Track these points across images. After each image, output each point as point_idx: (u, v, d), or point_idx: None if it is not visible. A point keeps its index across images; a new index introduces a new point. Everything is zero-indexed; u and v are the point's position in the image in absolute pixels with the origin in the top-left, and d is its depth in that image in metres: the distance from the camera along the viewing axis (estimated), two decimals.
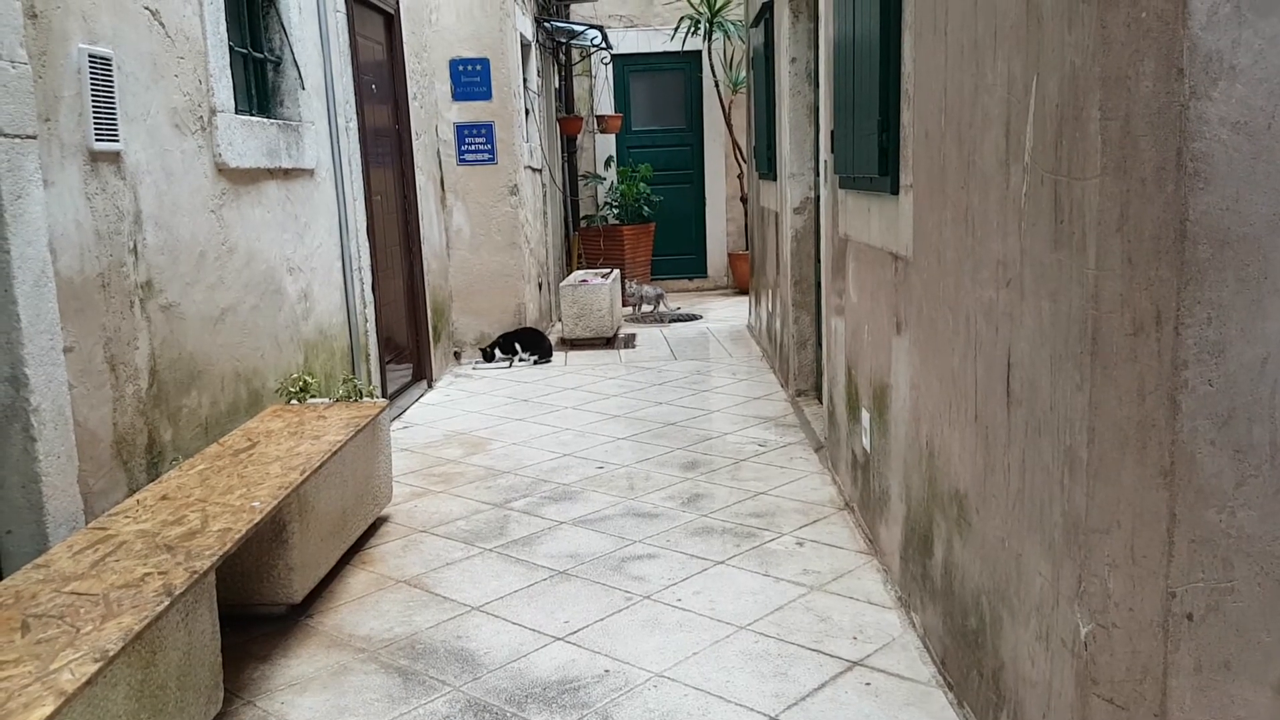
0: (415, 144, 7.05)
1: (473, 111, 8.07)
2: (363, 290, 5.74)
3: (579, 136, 11.43)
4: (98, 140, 3.15)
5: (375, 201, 6.15)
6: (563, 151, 11.10)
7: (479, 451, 5.46)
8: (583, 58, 11.56)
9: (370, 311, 5.86)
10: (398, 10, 6.80)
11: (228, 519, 2.89)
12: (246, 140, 4.24)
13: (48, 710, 1.89)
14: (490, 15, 7.96)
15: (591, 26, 10.68)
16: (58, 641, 2.16)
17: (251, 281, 4.29)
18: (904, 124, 3.19)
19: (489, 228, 8.20)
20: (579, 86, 11.69)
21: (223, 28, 4.08)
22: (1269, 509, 1.74)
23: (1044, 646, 2.06)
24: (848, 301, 4.23)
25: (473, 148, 8.09)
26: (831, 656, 3.02)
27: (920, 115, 2.98)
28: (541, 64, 10.06)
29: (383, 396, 5.88)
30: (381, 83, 6.52)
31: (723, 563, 3.75)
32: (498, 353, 7.91)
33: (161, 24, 3.62)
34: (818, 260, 5.61)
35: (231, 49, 4.27)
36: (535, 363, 7.89)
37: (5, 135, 2.71)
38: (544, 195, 9.72)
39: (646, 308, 9.94)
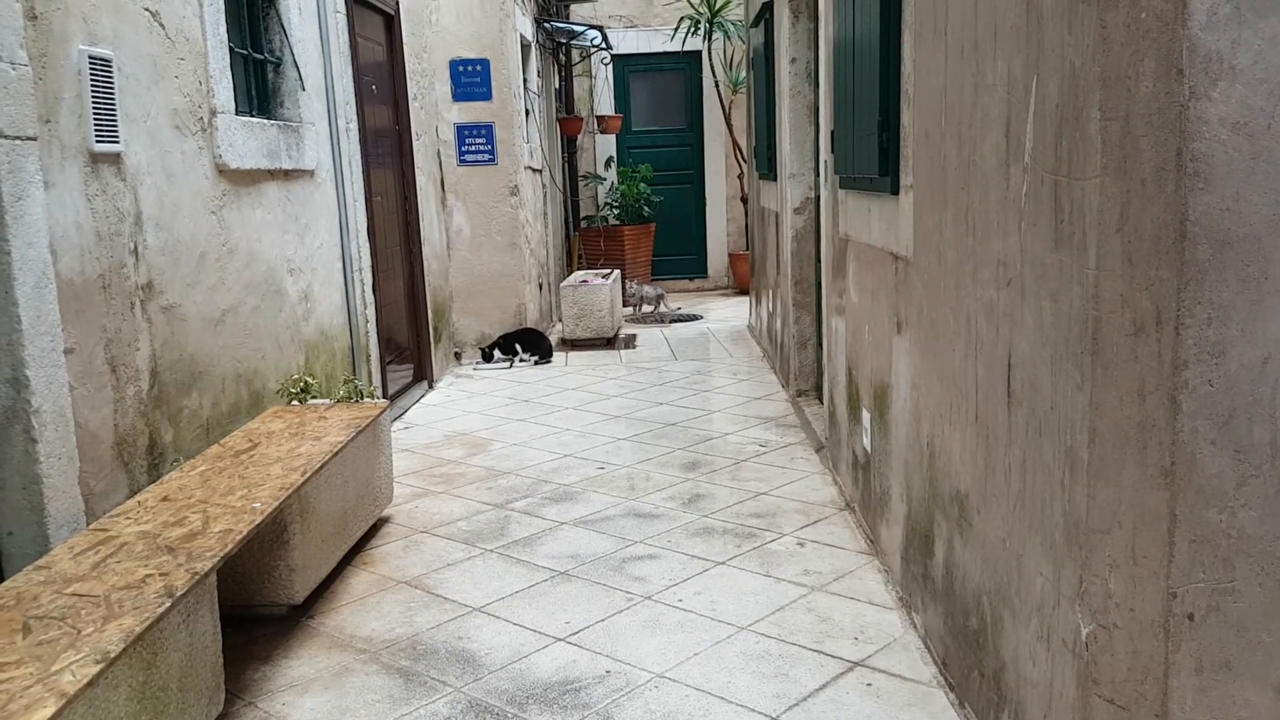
0: (415, 145, 7.05)
1: (473, 112, 8.07)
2: (363, 291, 5.75)
3: (579, 137, 11.43)
4: (98, 142, 3.16)
5: (376, 202, 6.15)
6: (563, 152, 11.10)
7: (480, 452, 5.46)
8: (583, 58, 11.56)
9: (371, 312, 5.86)
10: (398, 11, 6.81)
11: (229, 520, 2.89)
12: (247, 141, 4.24)
13: (49, 712, 1.90)
14: (490, 16, 7.97)
15: (591, 27, 10.68)
16: (59, 643, 2.16)
17: (252, 282, 4.29)
18: (904, 124, 3.19)
19: (489, 228, 8.21)
20: (579, 87, 11.70)
21: (223, 29, 4.08)
22: (1270, 509, 1.74)
23: (1045, 647, 2.06)
24: (848, 301, 4.23)
25: (473, 148, 8.09)
26: (832, 657, 3.02)
27: (920, 115, 2.98)
28: (541, 64, 10.06)
29: (383, 397, 5.89)
30: (382, 83, 6.52)
31: (724, 563, 3.75)
32: (497, 353, 7.91)
33: (161, 25, 3.62)
34: (818, 260, 5.61)
35: (232, 50, 4.27)
36: (536, 363, 7.89)
37: (6, 137, 2.72)
38: (544, 196, 9.72)
39: (647, 308, 9.95)
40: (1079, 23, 1.81)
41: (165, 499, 3.08)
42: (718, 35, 10.81)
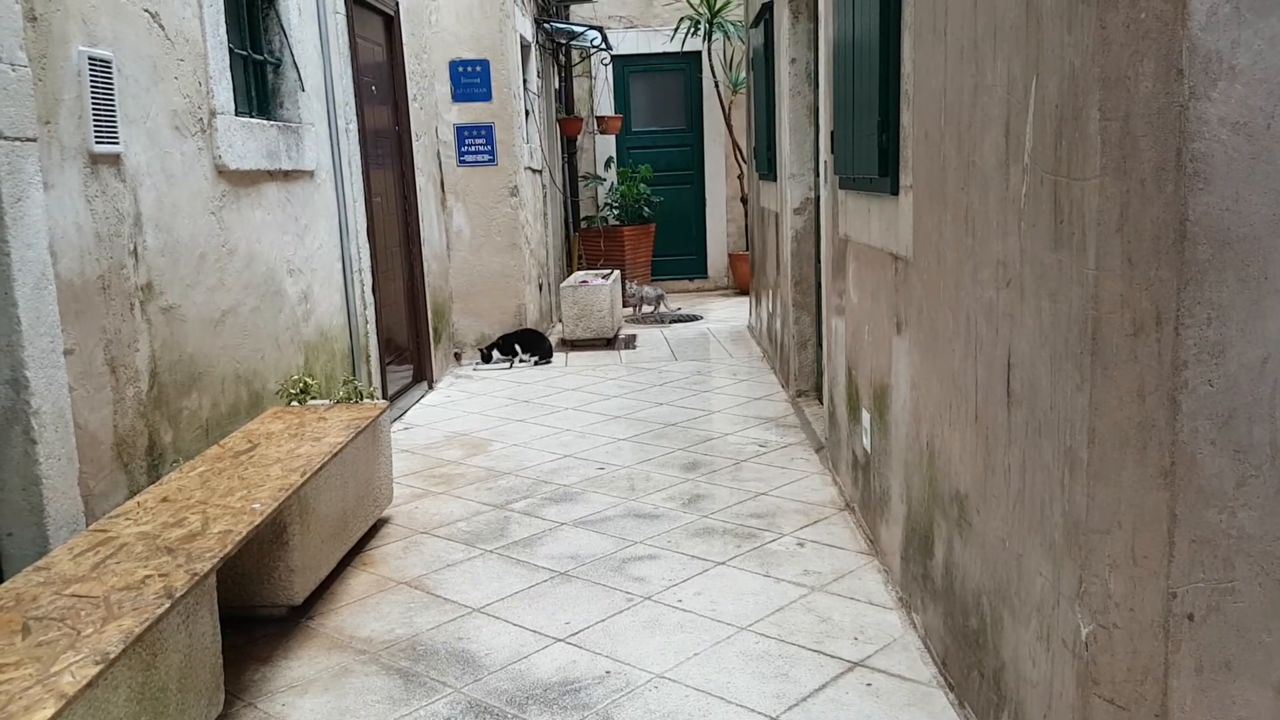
0: (415, 145, 7.05)
1: (473, 113, 8.07)
2: (363, 291, 5.75)
3: (579, 137, 11.43)
4: (98, 143, 3.16)
5: (375, 203, 6.15)
6: (563, 152, 11.10)
7: (480, 453, 5.46)
8: (582, 58, 11.56)
9: (370, 313, 5.86)
10: (397, 12, 6.81)
11: (228, 521, 2.89)
12: (246, 142, 4.24)
13: (49, 713, 1.89)
14: (490, 16, 7.97)
15: (591, 27, 10.68)
16: (58, 644, 2.16)
17: (252, 283, 4.29)
18: (904, 124, 3.19)
19: (489, 229, 8.21)
20: (579, 87, 11.70)
21: (222, 30, 4.08)
22: (1269, 509, 1.74)
23: (1045, 647, 2.06)
24: (848, 302, 4.23)
25: (473, 149, 8.09)
26: (832, 657, 3.01)
27: (920, 116, 2.98)
28: (541, 65, 10.06)
29: (383, 398, 5.88)
30: (381, 84, 6.52)
31: (724, 563, 3.75)
32: (496, 354, 7.91)
33: (161, 26, 3.62)
34: (818, 261, 5.61)
35: (231, 51, 4.27)
36: (536, 364, 7.89)
37: (5, 138, 2.72)
38: (544, 196, 9.72)
39: (647, 308, 9.94)
40: (1078, 23, 1.81)
41: (165, 500, 3.08)
42: (717, 36, 10.81)
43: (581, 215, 11.63)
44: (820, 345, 5.59)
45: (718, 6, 10.66)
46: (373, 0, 6.30)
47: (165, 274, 3.56)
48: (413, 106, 7.03)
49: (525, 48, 9.06)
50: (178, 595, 2.41)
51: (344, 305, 5.50)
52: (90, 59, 3.14)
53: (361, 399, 4.49)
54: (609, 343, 8.61)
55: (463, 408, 6.59)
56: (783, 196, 6.17)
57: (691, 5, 10.77)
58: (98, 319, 3.14)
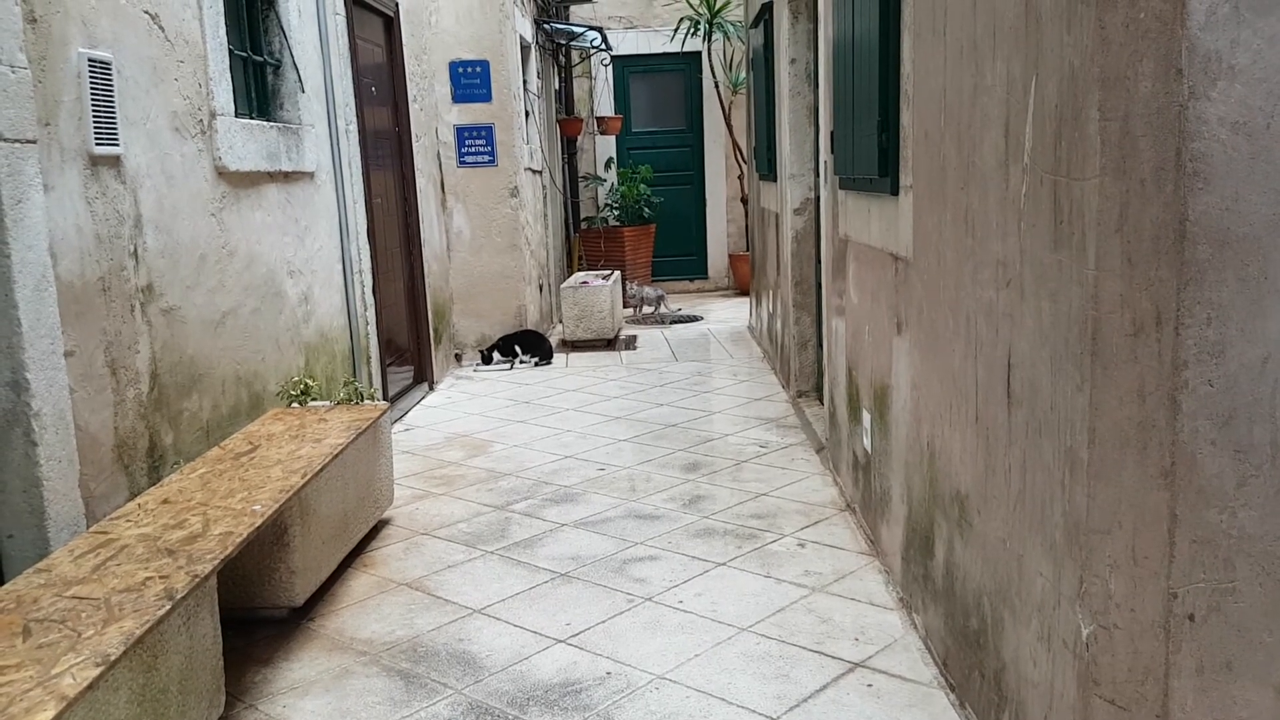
0: (415, 146, 7.05)
1: (473, 114, 8.07)
2: (363, 293, 5.75)
3: (579, 138, 11.44)
4: (98, 144, 3.16)
5: (376, 204, 6.15)
6: (563, 153, 11.11)
7: (480, 454, 5.46)
8: (582, 59, 11.56)
9: (371, 314, 5.86)
10: (397, 13, 6.81)
11: (229, 523, 2.89)
12: (246, 143, 4.24)
13: (49, 715, 1.89)
14: (490, 17, 7.97)
15: (591, 28, 10.68)
16: (59, 646, 2.16)
17: (252, 284, 4.29)
18: (903, 125, 3.19)
19: (489, 230, 8.21)
20: (579, 88, 11.70)
21: (222, 31, 4.08)
22: (1270, 509, 1.74)
23: (1046, 647, 2.06)
24: (848, 302, 4.23)
25: (473, 150, 8.09)
26: (833, 658, 3.01)
27: (920, 116, 2.98)
28: (541, 66, 10.06)
29: (384, 399, 5.89)
30: (381, 85, 6.52)
31: (724, 564, 3.75)
32: (496, 355, 7.90)
33: (161, 28, 3.62)
34: (818, 261, 5.61)
35: (231, 52, 4.27)
36: (536, 365, 7.89)
37: (5, 140, 2.72)
38: (544, 197, 9.72)
39: (647, 309, 9.94)
40: (1078, 23, 1.81)
41: (165, 501, 3.08)
42: (717, 36, 10.81)
43: (582, 216, 11.63)
44: (821, 346, 5.58)
45: (717, 7, 10.66)
46: (372, 1, 6.30)
47: (165, 275, 3.56)
48: (413, 107, 7.03)
49: (525, 48, 9.06)
50: (178, 597, 2.41)
51: (344, 306, 5.50)
52: (90, 60, 3.14)
53: (362, 400, 4.49)
54: (609, 344, 8.61)
55: (463, 409, 6.59)
56: (783, 197, 6.17)
57: (691, 5, 10.77)
58: (98, 321, 3.14)
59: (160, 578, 2.51)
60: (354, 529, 3.90)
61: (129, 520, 2.92)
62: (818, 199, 5.60)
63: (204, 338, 3.82)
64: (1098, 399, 1.80)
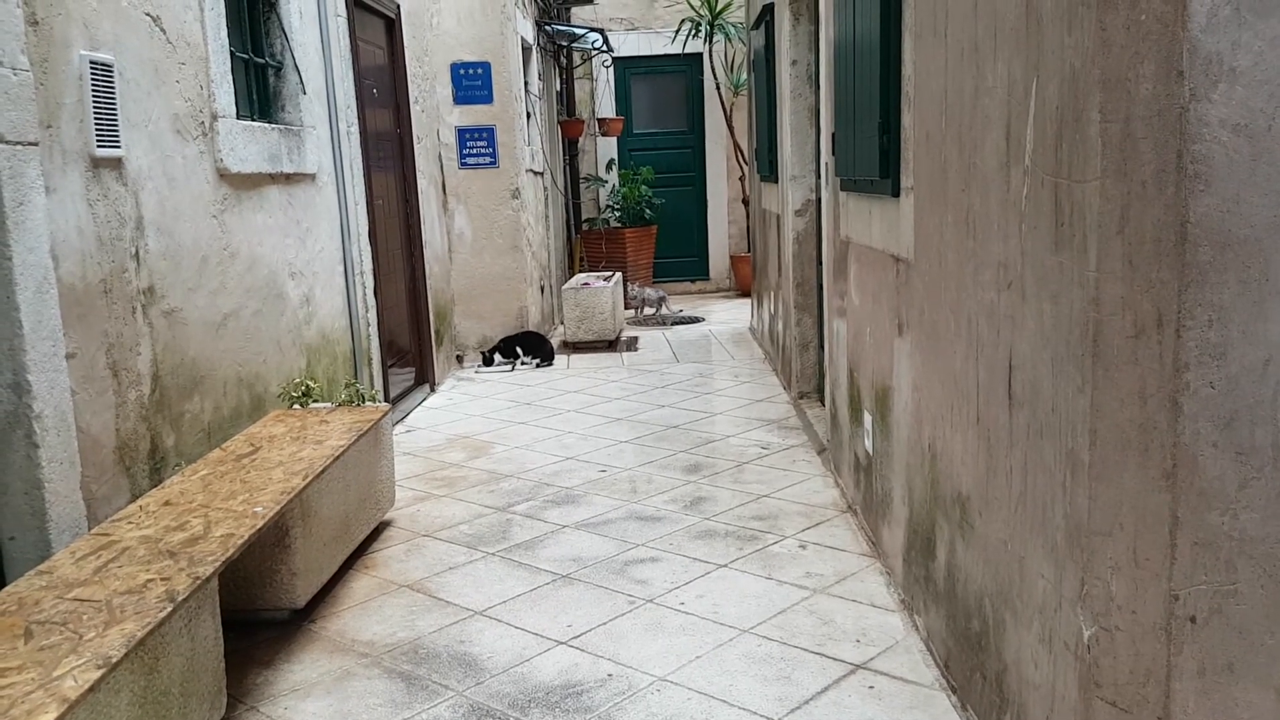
0: (417, 148, 7.05)
1: (474, 115, 8.08)
2: (365, 294, 5.75)
3: (580, 139, 11.44)
4: (99, 146, 3.16)
5: (377, 205, 6.15)
6: (564, 154, 11.11)
7: (482, 455, 5.46)
8: (584, 61, 11.56)
9: (372, 315, 5.87)
10: (399, 14, 6.81)
11: (230, 524, 2.89)
12: (248, 145, 4.24)
13: (50, 717, 1.89)
14: (491, 19, 7.97)
15: (592, 29, 10.68)
16: (61, 648, 2.16)
17: (253, 286, 4.29)
18: (905, 126, 3.19)
19: (491, 231, 8.21)
20: (580, 89, 11.70)
21: (224, 33, 4.09)
22: (1272, 511, 1.74)
23: (1047, 649, 2.06)
24: (849, 304, 4.23)
25: (474, 151, 8.09)
26: (834, 660, 3.01)
27: (921, 117, 2.98)
28: (543, 67, 10.07)
29: (385, 400, 5.89)
30: (383, 87, 6.53)
31: (725, 566, 3.74)
32: (498, 356, 7.90)
33: (163, 30, 3.63)
34: (819, 263, 5.61)
35: (233, 54, 4.28)
36: (537, 366, 7.89)
37: (7, 142, 2.72)
38: (546, 198, 9.73)
39: (649, 310, 9.94)
40: (1078, 25, 1.81)
41: (167, 503, 3.08)
42: (718, 37, 10.81)
43: (583, 217, 11.64)
44: (822, 347, 5.58)
45: (719, 8, 10.67)
46: (374, 3, 6.31)
47: (167, 277, 3.56)
48: (414, 109, 7.03)
49: (526, 50, 9.06)
50: (180, 599, 2.42)
51: (346, 308, 5.50)
52: (92, 63, 3.14)
53: (363, 402, 4.49)
54: (611, 345, 8.61)
55: (465, 410, 6.59)
56: (784, 198, 6.17)
57: (692, 7, 10.77)
58: (100, 322, 3.15)
59: (162, 580, 2.51)
60: (355, 531, 3.90)
61: (130, 522, 2.92)
62: (819, 200, 5.60)
63: (205, 339, 3.82)
64: (1099, 401, 1.80)
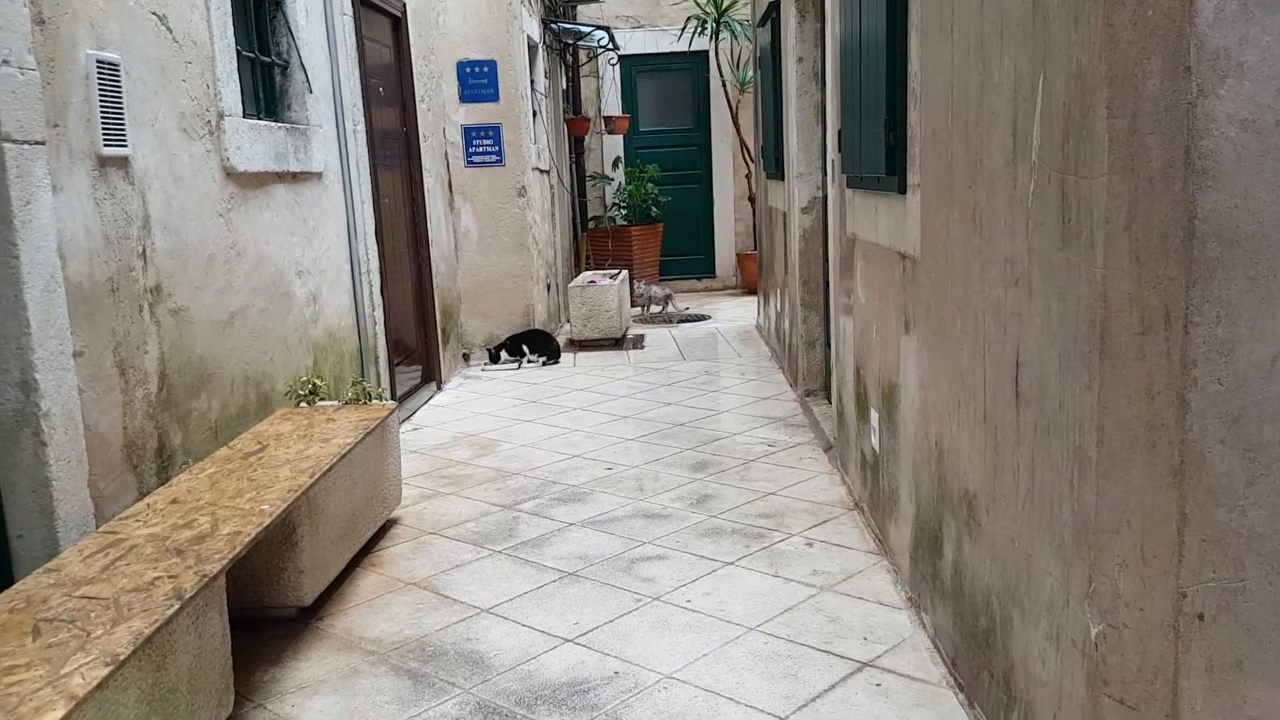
0: (423, 146, 7.06)
1: (480, 113, 8.08)
2: (371, 293, 5.76)
3: (586, 137, 11.44)
4: (106, 145, 3.16)
5: (383, 204, 6.16)
6: (570, 153, 11.11)
7: (488, 453, 5.46)
8: (590, 59, 11.56)
9: (379, 314, 5.87)
10: (405, 12, 6.81)
11: (237, 522, 2.90)
12: (254, 144, 4.25)
13: (58, 714, 1.90)
14: (497, 17, 7.97)
15: (598, 27, 10.68)
16: (68, 645, 2.17)
17: (260, 285, 4.30)
18: (911, 123, 3.18)
19: (497, 229, 8.21)
20: (586, 88, 11.70)
21: (230, 32, 4.09)
22: None
23: (1054, 647, 2.05)
24: (856, 301, 4.22)
25: (480, 150, 8.10)
26: (841, 657, 3.01)
27: (927, 114, 2.98)
28: (549, 65, 10.07)
29: (392, 399, 5.89)
30: (389, 85, 6.53)
31: (732, 564, 3.74)
32: (504, 354, 7.90)
33: (169, 29, 3.63)
34: (826, 260, 5.60)
35: (239, 53, 4.28)
36: (544, 364, 7.89)
37: (14, 141, 2.72)
38: (552, 196, 9.73)
39: (655, 308, 9.94)
40: (1085, 20, 1.81)
41: (174, 501, 3.08)
42: (724, 35, 10.80)
43: (589, 215, 11.64)
44: (828, 345, 5.58)
45: (724, 6, 10.66)
46: (380, 1, 6.31)
47: (174, 276, 3.57)
48: (420, 107, 7.03)
49: (532, 48, 9.07)
50: (187, 597, 2.42)
51: (352, 306, 5.51)
52: (98, 62, 3.14)
53: (370, 400, 4.50)
54: (617, 343, 8.61)
55: (471, 408, 6.60)
56: (790, 196, 6.16)
57: (698, 4, 10.76)
58: (107, 321, 3.15)
59: (169, 577, 2.52)
60: (362, 528, 3.91)
61: (138, 520, 2.93)
62: (825, 198, 5.60)
63: (212, 338, 3.83)
64: (1106, 397, 1.80)
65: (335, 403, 4.41)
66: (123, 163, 3.29)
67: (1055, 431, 2.02)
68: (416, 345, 6.96)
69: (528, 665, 3.07)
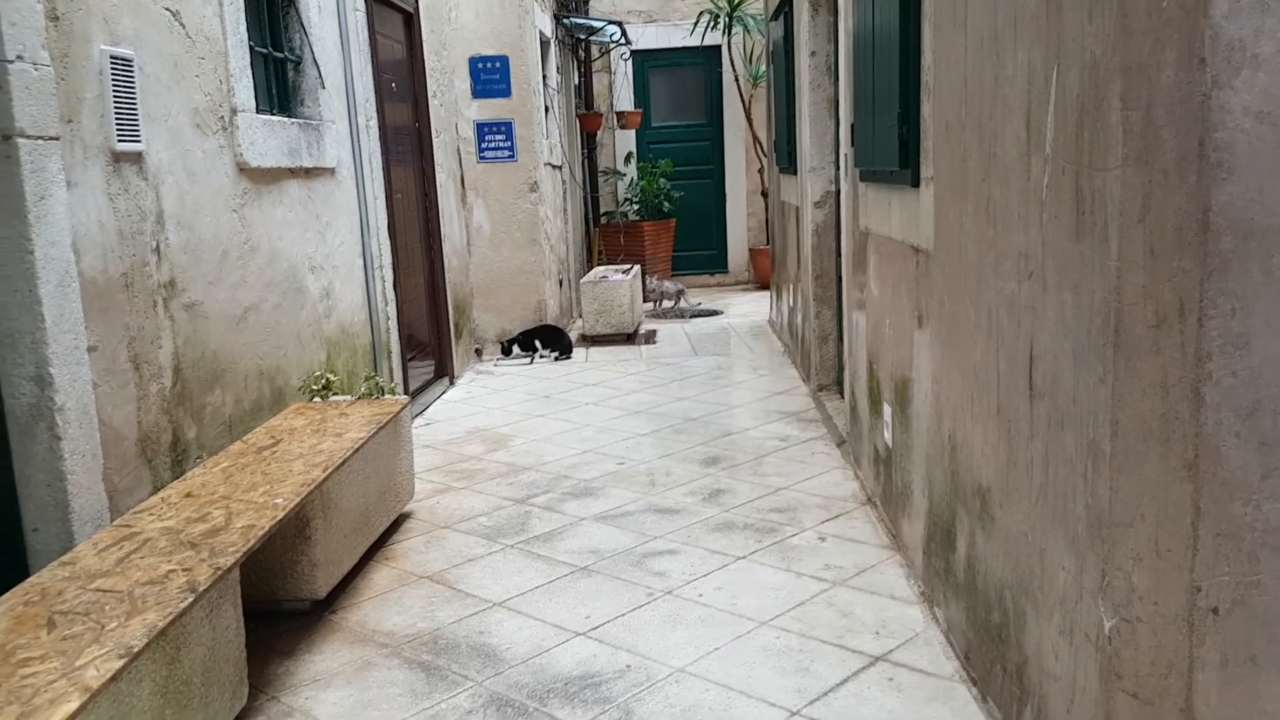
0: (435, 142, 7.07)
1: (492, 109, 8.09)
2: (384, 288, 5.77)
3: (599, 133, 11.43)
4: (120, 141, 3.18)
5: (396, 200, 6.17)
6: (583, 148, 11.10)
7: (501, 448, 5.47)
8: (602, 54, 11.55)
9: (392, 309, 5.88)
10: (417, 8, 6.82)
11: (251, 516, 2.91)
12: (267, 140, 4.26)
13: (73, 706, 1.91)
14: (509, 12, 7.97)
15: (611, 22, 10.67)
16: (83, 638, 2.18)
17: (274, 280, 4.31)
18: (924, 116, 3.17)
19: (509, 225, 8.22)
20: (598, 83, 11.69)
21: (243, 28, 4.10)
22: None
23: (1068, 641, 2.05)
24: (869, 295, 4.21)
25: (493, 145, 8.10)
26: (854, 652, 3.01)
27: (940, 107, 2.96)
28: (561, 60, 10.06)
29: (404, 393, 5.91)
30: (401, 81, 6.54)
31: (744, 558, 3.74)
32: (516, 349, 7.91)
33: (182, 25, 3.64)
34: (839, 255, 5.59)
35: (252, 49, 4.29)
36: (556, 359, 7.90)
37: (28, 137, 2.74)
38: (564, 192, 9.73)
39: (667, 303, 9.94)
40: (1099, 11, 1.80)
41: (188, 495, 3.10)
42: (737, 29, 10.78)
43: (601, 210, 11.63)
44: (841, 339, 5.57)
45: (737, 0, 10.63)
46: None
47: (188, 271, 3.58)
48: (433, 103, 7.04)
49: (545, 43, 9.06)
50: (201, 589, 2.43)
51: (365, 302, 5.52)
52: (112, 57, 3.16)
53: (383, 395, 4.51)
54: (629, 338, 8.61)
55: (484, 403, 6.61)
56: (803, 190, 6.15)
57: None
58: (121, 316, 3.17)
59: (183, 570, 2.53)
60: (375, 522, 3.92)
61: (152, 513, 2.94)
62: (838, 192, 5.58)
63: (226, 333, 3.84)
64: (1120, 391, 1.79)
65: (348, 397, 4.42)
66: (136, 158, 3.30)
67: (1069, 425, 2.02)
68: (429, 340, 6.97)
69: (540, 659, 3.07)
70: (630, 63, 11.61)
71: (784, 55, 6.85)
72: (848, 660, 2.96)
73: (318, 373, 4.53)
